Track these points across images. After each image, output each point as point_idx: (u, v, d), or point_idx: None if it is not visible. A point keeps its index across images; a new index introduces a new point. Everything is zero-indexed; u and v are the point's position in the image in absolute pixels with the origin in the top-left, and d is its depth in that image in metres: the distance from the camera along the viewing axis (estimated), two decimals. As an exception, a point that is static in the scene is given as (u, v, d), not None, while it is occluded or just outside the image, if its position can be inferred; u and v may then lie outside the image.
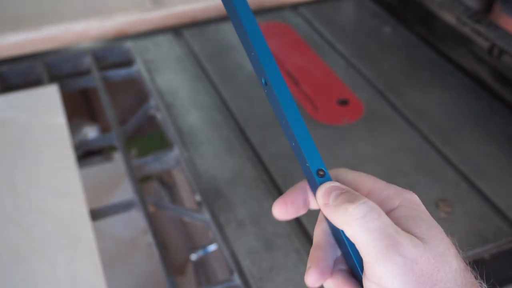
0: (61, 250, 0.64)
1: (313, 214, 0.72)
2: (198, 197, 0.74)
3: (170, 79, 0.93)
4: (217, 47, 1.01)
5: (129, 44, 1.01)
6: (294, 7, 1.13)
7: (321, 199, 0.35)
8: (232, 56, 0.99)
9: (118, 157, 1.26)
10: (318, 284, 0.35)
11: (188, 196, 1.12)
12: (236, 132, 0.83)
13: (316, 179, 0.36)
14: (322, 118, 0.86)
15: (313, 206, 0.37)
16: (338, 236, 0.35)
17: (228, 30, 1.06)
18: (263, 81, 0.37)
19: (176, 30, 1.06)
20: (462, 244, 0.66)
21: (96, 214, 0.71)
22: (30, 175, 0.73)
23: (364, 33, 1.06)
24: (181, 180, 1.16)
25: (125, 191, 1.17)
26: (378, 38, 1.04)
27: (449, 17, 0.96)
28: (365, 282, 0.33)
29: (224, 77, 0.94)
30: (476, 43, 0.91)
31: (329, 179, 0.36)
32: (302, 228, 0.68)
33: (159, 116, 0.87)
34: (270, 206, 0.70)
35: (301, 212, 0.37)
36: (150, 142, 1.52)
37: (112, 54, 1.01)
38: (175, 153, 0.80)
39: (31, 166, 0.75)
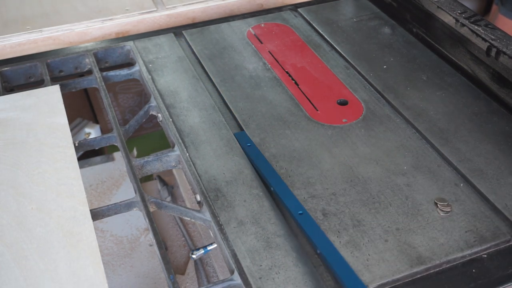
0: (63, 249, 0.64)
1: (312, 215, 0.72)
2: (198, 197, 0.75)
3: (170, 79, 0.94)
4: (217, 47, 1.02)
5: (130, 45, 1.01)
6: (294, 8, 1.14)
7: None
8: (232, 56, 1.00)
9: (119, 157, 1.27)
10: None
11: (189, 196, 1.13)
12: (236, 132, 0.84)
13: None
14: (321, 119, 0.86)
15: None
16: None
17: (228, 31, 1.06)
18: None
19: (177, 30, 1.07)
20: (460, 243, 0.67)
21: (97, 214, 0.72)
22: (32, 174, 0.74)
23: (364, 33, 1.06)
24: (181, 180, 1.17)
25: (126, 191, 1.18)
26: (377, 38, 1.05)
27: (447, 18, 0.97)
28: None
29: (224, 77, 0.95)
30: (474, 44, 0.91)
31: None
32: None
33: (160, 116, 0.87)
34: (270, 206, 0.71)
35: None
36: (150, 142, 1.53)
37: (113, 55, 1.01)
38: (175, 153, 0.80)
39: (33, 165, 0.75)
